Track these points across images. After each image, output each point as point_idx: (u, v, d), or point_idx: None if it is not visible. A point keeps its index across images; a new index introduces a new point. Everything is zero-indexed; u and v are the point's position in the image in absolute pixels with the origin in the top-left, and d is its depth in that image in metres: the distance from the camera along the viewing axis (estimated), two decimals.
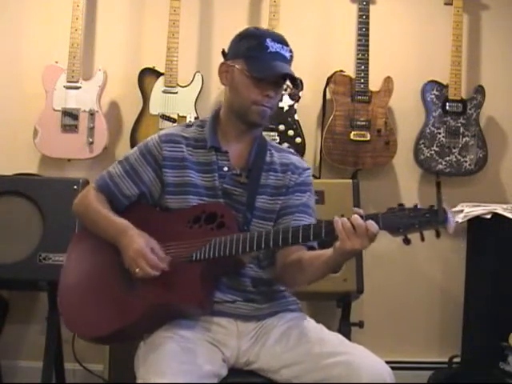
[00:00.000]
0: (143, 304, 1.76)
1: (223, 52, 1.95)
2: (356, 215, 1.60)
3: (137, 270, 1.74)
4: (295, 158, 2.01)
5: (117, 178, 1.93)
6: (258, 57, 1.84)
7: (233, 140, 1.95)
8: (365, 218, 1.60)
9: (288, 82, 1.91)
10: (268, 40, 1.85)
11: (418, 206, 1.57)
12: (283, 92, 3.04)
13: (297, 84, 1.94)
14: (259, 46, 1.85)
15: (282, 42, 1.88)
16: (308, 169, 2.02)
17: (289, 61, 1.89)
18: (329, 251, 1.72)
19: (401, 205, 1.59)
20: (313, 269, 1.80)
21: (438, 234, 1.55)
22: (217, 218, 1.80)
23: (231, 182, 1.90)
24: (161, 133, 1.98)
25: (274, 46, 1.85)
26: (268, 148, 1.98)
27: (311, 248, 1.88)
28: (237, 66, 1.87)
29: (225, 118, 1.96)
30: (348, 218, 1.61)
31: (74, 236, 2.04)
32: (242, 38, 1.90)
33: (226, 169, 1.91)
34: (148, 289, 1.77)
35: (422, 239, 1.56)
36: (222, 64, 1.93)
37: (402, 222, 1.56)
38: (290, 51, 1.89)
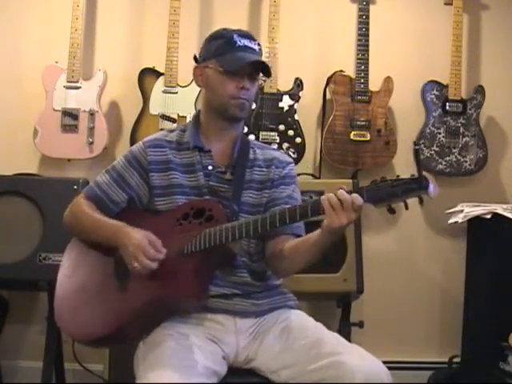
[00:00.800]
0: (138, 302, 1.78)
1: (195, 57, 2.02)
2: (341, 190, 1.63)
3: (135, 264, 1.76)
4: (278, 153, 2.07)
5: (104, 186, 1.97)
6: (227, 52, 1.92)
7: (215, 139, 2.00)
8: (349, 192, 1.64)
9: (262, 76, 1.99)
10: (235, 36, 1.93)
11: (400, 177, 1.60)
12: (283, 92, 3.05)
13: (269, 73, 1.97)
14: (228, 43, 1.92)
15: (249, 37, 1.96)
16: (291, 162, 2.07)
17: (258, 53, 1.96)
18: (316, 233, 1.76)
19: (383, 177, 1.62)
20: (301, 254, 1.83)
21: (421, 201, 1.59)
22: (205, 212, 1.82)
23: (216, 179, 1.94)
24: (145, 139, 2.04)
25: (241, 41, 1.92)
26: (251, 146, 2.03)
27: (298, 237, 1.90)
28: (210, 66, 1.95)
29: (205, 119, 2.02)
30: (334, 194, 1.64)
31: (70, 243, 2.04)
32: (211, 39, 1.98)
33: (210, 167, 1.95)
34: (142, 286, 1.79)
35: (406, 208, 1.61)
36: (195, 68, 2.01)
37: (386, 192, 1.59)
38: (259, 45, 1.97)
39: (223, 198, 1.92)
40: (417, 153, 1.60)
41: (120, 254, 1.84)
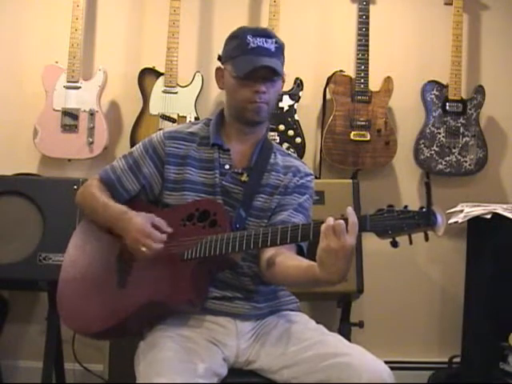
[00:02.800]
0: (134, 302, 1.78)
1: (219, 56, 1.97)
2: (340, 220, 1.55)
3: (143, 249, 1.76)
4: (299, 163, 2.03)
5: (119, 171, 1.96)
6: (240, 55, 1.85)
7: (236, 140, 1.97)
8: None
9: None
10: (249, 36, 1.85)
11: (408, 208, 1.53)
12: (283, 92, 3.04)
13: (279, 75, 1.89)
14: (241, 45, 1.86)
15: (265, 35, 1.88)
16: (311, 174, 2.02)
17: (274, 52, 1.87)
18: (311, 263, 1.66)
19: (390, 206, 1.55)
20: (289, 276, 1.77)
21: (426, 238, 1.51)
22: (209, 216, 1.81)
23: (231, 179, 1.92)
24: (166, 130, 2.02)
25: (255, 42, 1.84)
26: (273, 151, 1.99)
27: (300, 249, 1.86)
28: (227, 69, 1.91)
29: (227, 119, 1.99)
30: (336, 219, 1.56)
31: (76, 228, 2.06)
32: (229, 39, 1.93)
33: (227, 167, 1.93)
34: (140, 286, 1.80)
35: (411, 242, 1.53)
36: (216, 69, 1.97)
37: (391, 224, 1.52)
38: (276, 42, 1.88)
39: (234, 199, 1.90)
40: (428, 186, 1.52)
41: (124, 247, 1.85)
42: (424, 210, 1.49)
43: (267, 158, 1.96)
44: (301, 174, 1.98)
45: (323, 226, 1.56)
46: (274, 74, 1.87)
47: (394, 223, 1.52)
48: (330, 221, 1.56)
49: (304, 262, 1.73)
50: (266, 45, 1.85)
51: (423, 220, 1.48)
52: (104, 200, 1.92)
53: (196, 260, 1.77)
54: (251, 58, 1.83)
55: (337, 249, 1.53)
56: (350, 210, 1.56)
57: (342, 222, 1.54)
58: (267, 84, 1.87)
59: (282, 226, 1.70)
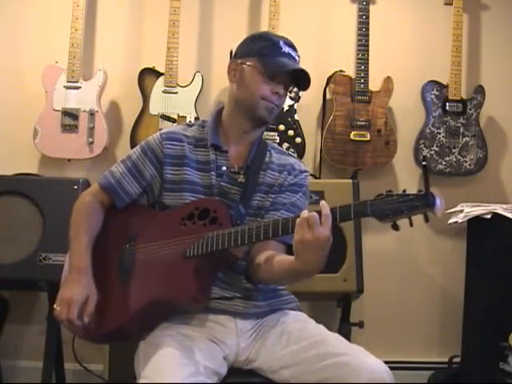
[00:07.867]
0: (140, 302, 1.79)
1: (231, 52, 2.02)
2: (314, 212, 1.60)
3: (58, 308, 1.77)
4: (293, 160, 2.04)
5: (119, 175, 1.96)
6: (271, 55, 1.91)
7: (233, 141, 1.98)
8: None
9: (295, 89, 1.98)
10: (281, 42, 1.94)
11: (407, 192, 1.56)
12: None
13: (307, 86, 1.97)
14: (273, 47, 1.93)
15: (293, 46, 1.97)
16: (305, 171, 2.04)
17: (298, 63, 1.97)
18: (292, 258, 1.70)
19: (389, 191, 1.59)
20: (279, 271, 1.79)
21: (426, 219, 1.55)
22: (210, 214, 1.82)
23: (228, 180, 1.93)
24: (162, 131, 2.02)
25: (286, 48, 1.93)
26: (268, 149, 2.01)
27: (288, 246, 1.86)
28: (248, 63, 1.93)
29: (228, 117, 2.00)
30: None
31: None
32: (255, 39, 1.98)
33: (224, 168, 1.94)
34: (144, 287, 1.80)
35: (411, 225, 1.57)
36: (231, 62, 1.99)
37: (391, 207, 1.56)
38: (299, 56, 1.98)
39: (232, 200, 1.91)
40: (425, 168, 1.56)
41: (124, 249, 1.87)
42: (422, 192, 1.52)
43: (262, 157, 1.98)
44: (295, 172, 2.00)
45: (298, 220, 1.62)
46: (302, 82, 1.96)
47: (394, 207, 1.55)
48: (304, 214, 1.61)
49: (287, 258, 1.77)
50: (293, 54, 1.95)
51: (422, 202, 1.52)
52: (82, 240, 1.89)
53: (198, 256, 1.77)
54: (285, 61, 1.91)
55: (311, 240, 1.59)
56: (323, 203, 1.62)
57: (314, 214, 1.60)
58: (285, 89, 1.95)
59: (284, 218, 1.72)
